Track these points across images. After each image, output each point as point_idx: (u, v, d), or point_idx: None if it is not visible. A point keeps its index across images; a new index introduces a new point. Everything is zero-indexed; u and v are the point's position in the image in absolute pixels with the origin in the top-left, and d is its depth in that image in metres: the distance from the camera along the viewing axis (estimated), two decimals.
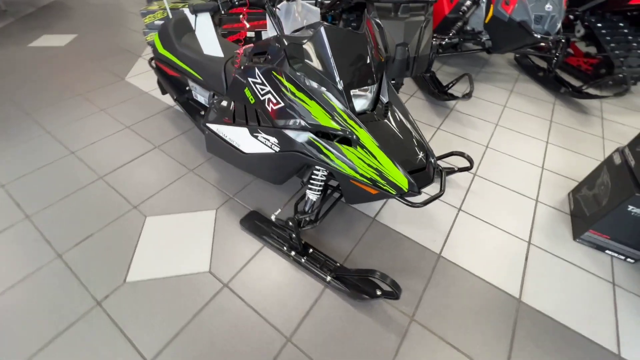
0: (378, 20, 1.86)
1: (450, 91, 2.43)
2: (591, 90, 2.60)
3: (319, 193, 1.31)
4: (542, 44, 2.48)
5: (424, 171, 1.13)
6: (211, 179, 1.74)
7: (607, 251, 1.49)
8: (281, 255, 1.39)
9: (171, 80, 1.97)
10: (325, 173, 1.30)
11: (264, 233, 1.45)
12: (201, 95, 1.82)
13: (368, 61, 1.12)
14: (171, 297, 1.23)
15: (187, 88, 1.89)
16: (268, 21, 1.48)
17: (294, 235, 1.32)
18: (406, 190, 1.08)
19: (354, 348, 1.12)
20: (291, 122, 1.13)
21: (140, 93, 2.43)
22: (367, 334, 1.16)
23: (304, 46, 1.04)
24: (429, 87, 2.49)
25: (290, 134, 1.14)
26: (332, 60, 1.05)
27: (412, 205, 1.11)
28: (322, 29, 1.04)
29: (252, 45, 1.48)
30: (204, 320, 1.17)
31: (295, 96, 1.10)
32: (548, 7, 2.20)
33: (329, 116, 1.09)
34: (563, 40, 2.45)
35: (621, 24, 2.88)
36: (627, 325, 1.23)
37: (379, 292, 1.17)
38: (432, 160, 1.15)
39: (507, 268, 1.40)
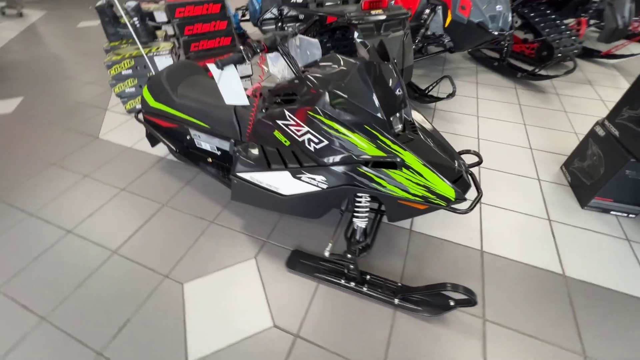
0: (365, 41, 1.94)
1: (430, 93, 2.60)
2: (543, 72, 2.94)
3: (367, 219, 1.32)
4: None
5: (462, 178, 1.19)
6: (236, 226, 1.66)
7: (611, 212, 1.68)
8: (340, 289, 1.37)
9: (167, 132, 1.86)
10: (369, 198, 1.31)
11: (315, 270, 1.42)
12: (206, 143, 1.74)
13: (399, 89, 1.17)
14: None
15: (187, 137, 1.79)
16: (269, 61, 1.49)
17: (351, 266, 1.31)
18: (453, 200, 1.13)
19: None
20: (338, 157, 1.13)
21: (122, 149, 2.25)
22: (451, 347, 1.18)
23: (344, 84, 1.06)
24: (411, 93, 2.64)
25: (339, 169, 1.14)
26: (373, 93, 1.07)
27: (459, 212, 1.16)
28: (361, 65, 1.06)
29: (258, 86, 1.47)
30: None
31: (339, 132, 1.11)
32: (499, 7, 2.47)
33: (373, 145, 1.11)
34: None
35: (548, 11, 3.32)
36: None
37: (452, 303, 1.20)
38: (464, 166, 1.22)
39: (541, 248, 1.52)
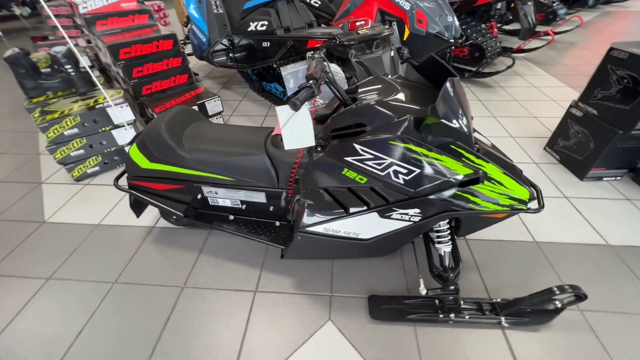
0: (362, 60, 1.91)
1: None
2: (486, 70, 3.36)
3: (451, 242, 1.23)
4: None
5: (523, 175, 1.20)
6: (288, 288, 1.40)
7: (604, 179, 1.94)
8: (439, 325, 1.23)
9: (166, 197, 1.49)
10: (447, 221, 1.23)
11: (404, 313, 1.26)
12: (226, 199, 1.45)
13: (468, 101, 1.13)
14: None
15: (198, 197, 1.46)
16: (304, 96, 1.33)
17: (451, 297, 1.19)
18: (528, 200, 1.13)
19: None
20: (434, 185, 1.03)
21: (89, 229, 1.74)
22: (572, 349, 1.15)
23: (437, 105, 0.96)
24: None
25: (434, 197, 1.04)
26: (461, 110, 1.01)
27: (535, 211, 1.17)
28: (451, 82, 0.98)
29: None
30: None
31: (430, 157, 1.01)
32: (449, 18, 2.73)
33: (460, 164, 1.05)
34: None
35: (468, 19, 3.84)
36: None
37: (560, 304, 1.18)
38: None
39: (576, 225, 1.64)
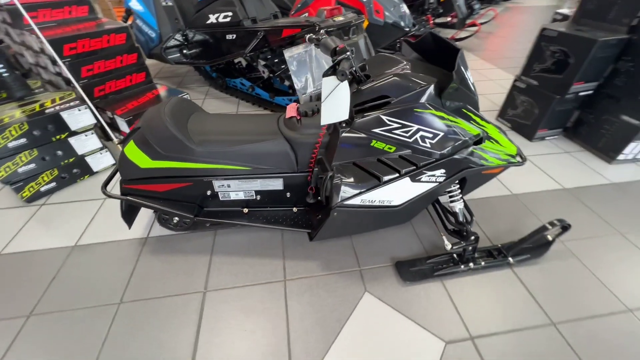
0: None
1: None
2: None
3: (462, 200, 1.37)
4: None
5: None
6: (316, 271, 1.39)
7: (546, 138, 2.33)
8: (462, 275, 1.37)
9: (168, 198, 1.35)
10: (457, 181, 1.37)
11: (430, 271, 1.36)
12: (238, 192, 1.38)
13: None
14: None
15: (208, 193, 1.35)
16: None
17: (470, 247, 1.33)
18: (516, 154, 1.34)
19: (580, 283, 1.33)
20: (456, 145, 1.14)
21: (64, 253, 1.48)
22: (565, 272, 1.38)
23: (454, 72, 1.06)
24: None
25: (457, 156, 1.15)
26: (470, 75, 1.13)
27: (521, 164, 1.38)
28: (462, 52, 1.08)
29: (295, 104, 1.29)
30: None
31: (450, 120, 1.12)
32: (403, 9, 2.96)
33: (470, 125, 1.18)
34: None
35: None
36: (596, 164, 2.04)
37: (552, 238, 1.40)
38: None
39: (539, 177, 1.95)
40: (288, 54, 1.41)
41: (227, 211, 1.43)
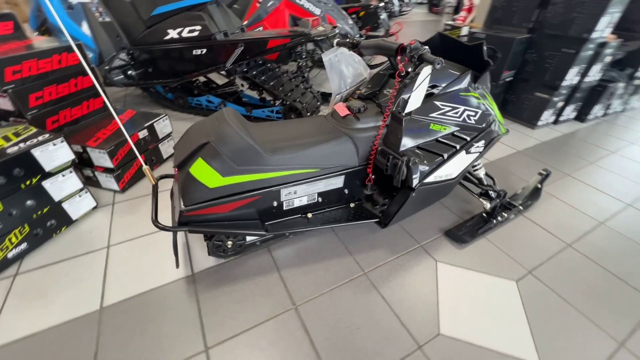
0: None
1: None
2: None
3: (482, 167, 1.65)
4: None
5: None
6: (387, 257, 1.46)
7: None
8: (495, 228, 1.64)
9: (232, 219, 1.22)
10: None
11: (473, 231, 1.59)
12: (303, 197, 1.35)
13: None
14: None
15: (274, 204, 1.27)
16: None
17: (500, 203, 1.62)
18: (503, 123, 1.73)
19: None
20: (489, 119, 1.39)
21: (90, 321, 1.17)
22: (554, 206, 1.80)
23: (489, 62, 1.31)
24: None
25: (493, 127, 1.41)
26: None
27: (508, 132, 1.77)
28: (484, 43, 1.34)
29: (343, 104, 1.38)
30: None
31: (481, 100, 1.37)
32: (350, 21, 3.27)
33: (489, 102, 1.47)
34: None
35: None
36: (525, 130, 2.67)
37: (540, 185, 1.81)
38: None
39: (502, 147, 2.46)
40: (325, 57, 1.46)
41: (290, 221, 1.38)
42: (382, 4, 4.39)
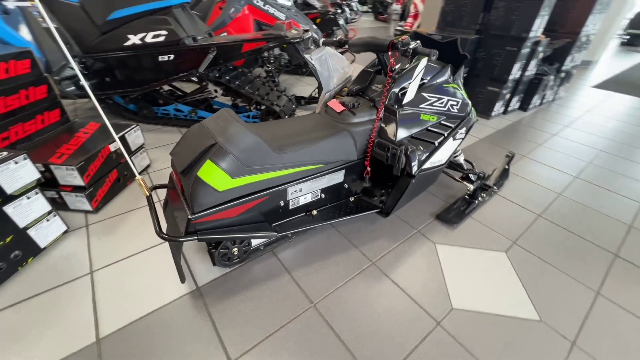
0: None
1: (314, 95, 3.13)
2: None
3: (461, 152, 1.80)
4: None
5: None
6: (392, 244, 1.52)
7: None
8: (479, 207, 1.79)
9: (239, 223, 1.17)
10: None
11: (461, 212, 1.72)
12: (307, 194, 1.35)
13: None
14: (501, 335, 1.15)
15: (281, 204, 1.24)
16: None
17: (480, 184, 1.78)
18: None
19: None
20: (467, 108, 1.53)
21: (90, 355, 1.03)
22: (527, 183, 2.03)
23: (463, 53, 1.44)
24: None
25: (471, 115, 1.55)
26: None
27: (477, 120, 1.97)
28: (459, 39, 1.47)
29: (335, 100, 1.43)
30: None
31: (460, 90, 1.51)
32: (314, 26, 3.34)
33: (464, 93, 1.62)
34: None
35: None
36: (483, 121, 2.97)
37: (508, 165, 2.02)
38: None
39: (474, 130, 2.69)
40: (314, 56, 1.48)
41: (296, 219, 1.36)
42: (339, 11, 4.56)
